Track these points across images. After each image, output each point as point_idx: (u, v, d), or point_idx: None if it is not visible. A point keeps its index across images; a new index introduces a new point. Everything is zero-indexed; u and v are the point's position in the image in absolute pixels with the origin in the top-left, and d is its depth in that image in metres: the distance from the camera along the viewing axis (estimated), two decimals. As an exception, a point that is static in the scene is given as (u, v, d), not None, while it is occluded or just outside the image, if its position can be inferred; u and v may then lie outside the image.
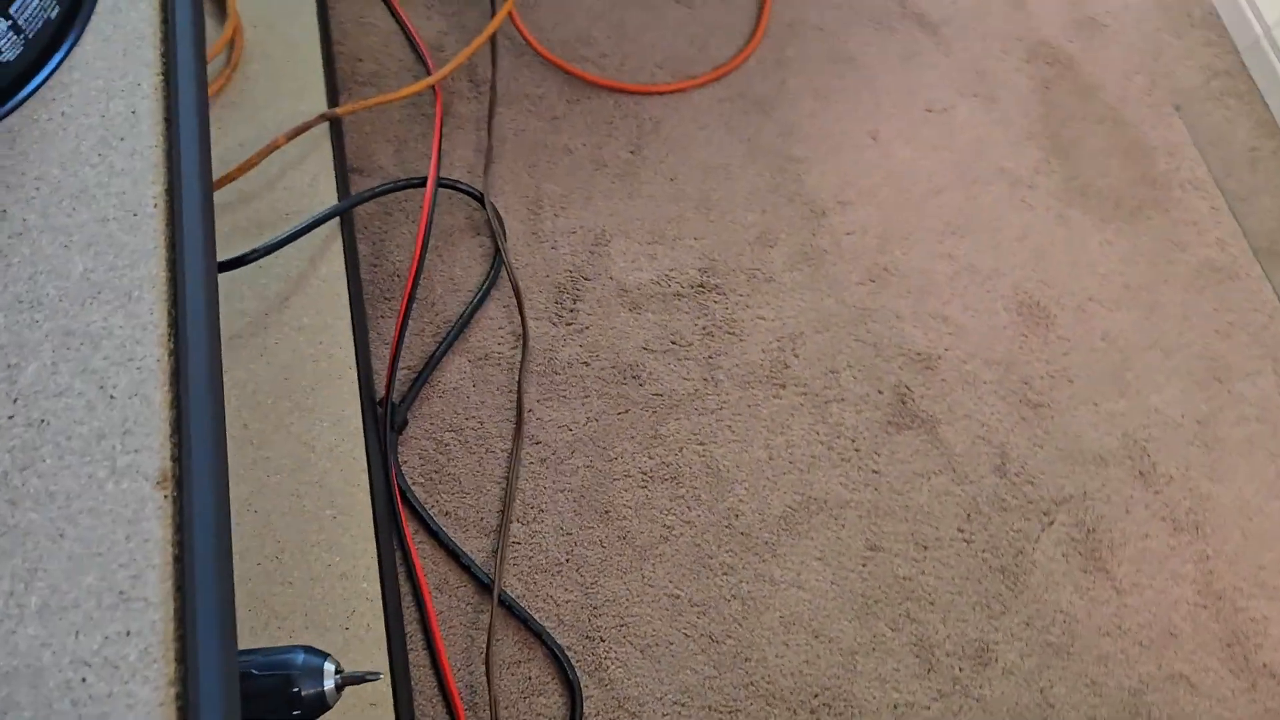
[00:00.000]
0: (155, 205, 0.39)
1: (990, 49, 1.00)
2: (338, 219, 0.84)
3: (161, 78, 0.42)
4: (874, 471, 0.81)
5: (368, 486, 0.74)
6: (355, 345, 0.79)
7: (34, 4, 0.40)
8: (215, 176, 0.82)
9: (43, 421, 0.35)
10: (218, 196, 0.83)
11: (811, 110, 0.96)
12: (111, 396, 0.36)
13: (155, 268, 0.38)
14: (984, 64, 0.99)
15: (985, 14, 1.01)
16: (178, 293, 0.38)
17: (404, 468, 0.80)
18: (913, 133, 0.95)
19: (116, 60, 0.42)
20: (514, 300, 0.87)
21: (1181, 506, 0.81)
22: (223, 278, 0.79)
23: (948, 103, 0.97)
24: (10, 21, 0.39)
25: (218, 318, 0.39)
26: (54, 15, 0.41)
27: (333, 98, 0.92)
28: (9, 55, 0.40)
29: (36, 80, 0.41)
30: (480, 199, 0.90)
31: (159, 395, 0.36)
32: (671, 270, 0.88)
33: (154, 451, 0.35)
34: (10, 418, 0.35)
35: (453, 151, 0.93)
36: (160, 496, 0.34)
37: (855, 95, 0.97)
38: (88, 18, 0.43)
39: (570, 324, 0.86)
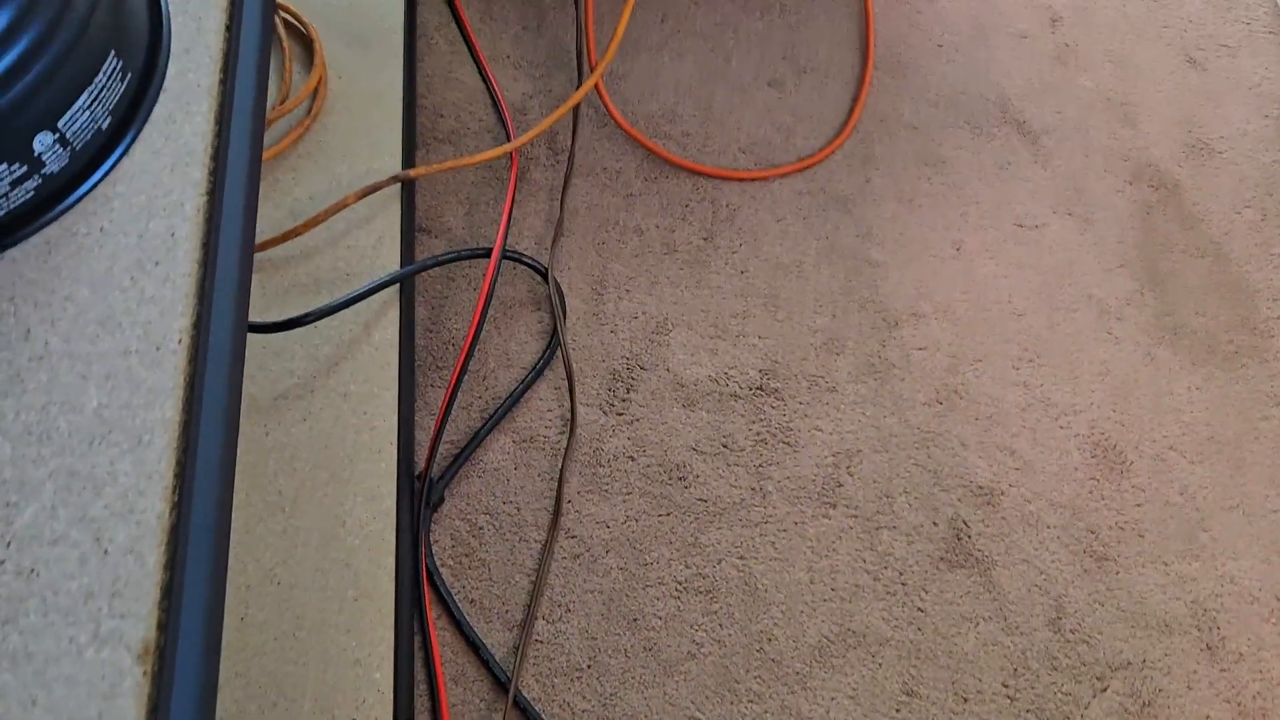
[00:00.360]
0: (180, 341, 0.37)
1: (1092, 165, 0.95)
2: (397, 284, 0.82)
3: (206, 198, 0.40)
4: (919, 609, 0.77)
5: (393, 571, 0.72)
6: (399, 418, 0.77)
7: (85, 116, 0.39)
8: (283, 229, 0.82)
9: (33, 571, 0.34)
10: (280, 250, 0.83)
11: (894, 213, 0.92)
12: (106, 551, 0.34)
13: (170, 410, 0.36)
14: (1083, 181, 0.95)
15: (1090, 127, 0.97)
16: (190, 441, 0.36)
17: (434, 547, 0.78)
18: (999, 247, 0.91)
19: (163, 176, 0.40)
20: (566, 383, 0.84)
21: (1249, 689, 0.75)
22: (275, 335, 0.78)
23: (1040, 219, 0.93)
24: (58, 135, 0.38)
25: (233, 468, 0.37)
26: (106, 125, 0.40)
27: (409, 156, 0.91)
28: (53, 168, 0.38)
29: (80, 192, 0.40)
30: (544, 274, 0.88)
31: (154, 555, 0.34)
32: (731, 368, 0.85)
33: (140, 619, 0.33)
34: (1, 563, 0.33)
35: (523, 220, 0.91)
36: (140, 672, 0.32)
37: (942, 201, 0.93)
38: (141, 127, 0.41)
39: (621, 414, 0.83)
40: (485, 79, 0.98)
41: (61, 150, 0.38)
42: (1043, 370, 0.86)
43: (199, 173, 0.41)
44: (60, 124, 0.38)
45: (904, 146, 0.96)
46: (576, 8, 0.93)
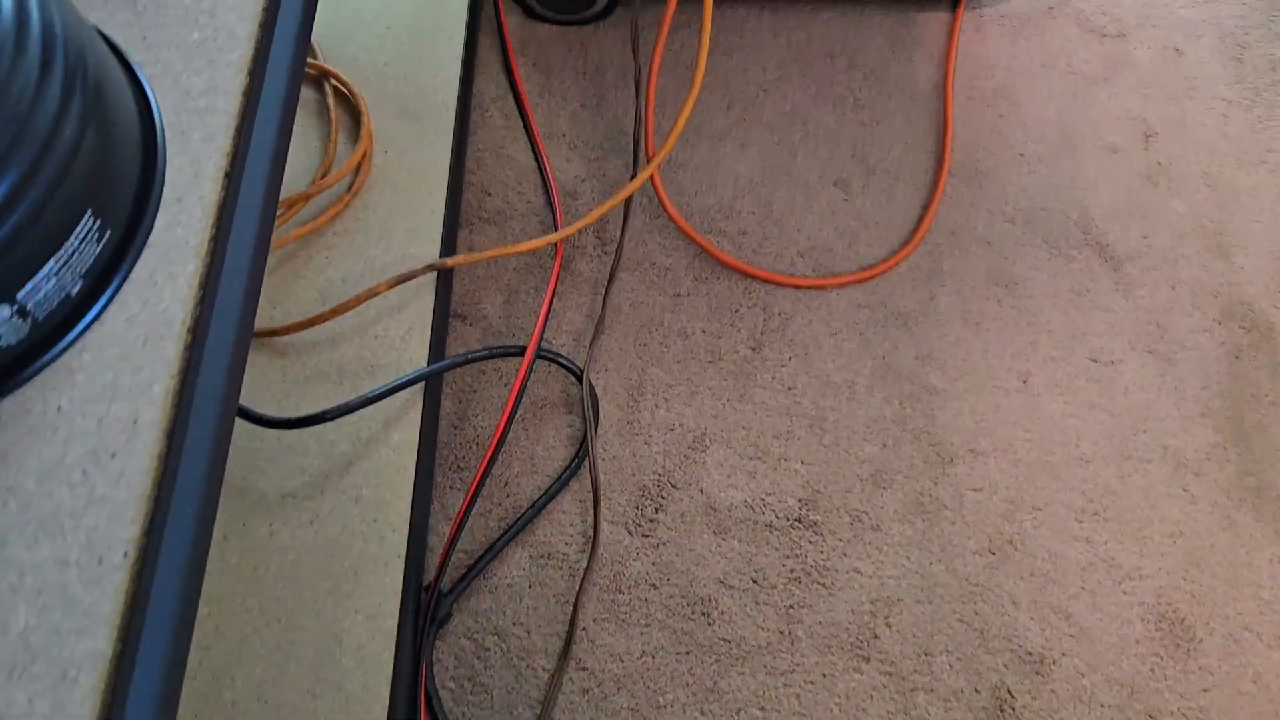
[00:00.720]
0: (126, 555, 0.33)
1: (1178, 299, 0.88)
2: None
3: (178, 380, 0.36)
4: (952, 787, 0.71)
5: (387, 700, 0.68)
6: (410, 528, 0.73)
7: (51, 284, 0.35)
8: (310, 313, 0.78)
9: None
10: (305, 335, 0.79)
11: (959, 336, 0.86)
12: (9, 812, 0.30)
13: (104, 642, 0.32)
14: (1167, 316, 0.88)
15: (1179, 256, 0.90)
16: (121, 682, 0.32)
17: (436, 666, 0.74)
18: (1069, 383, 0.85)
19: (134, 349, 0.36)
20: (592, 497, 0.79)
21: None
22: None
23: (1116, 355, 0.86)
24: (16, 307, 0.34)
25: (174, 712, 0.33)
26: (76, 291, 0.36)
27: (450, 238, 0.87)
28: (9, 340, 0.35)
29: (40, 363, 0.36)
30: (579, 376, 0.83)
31: (63, 822, 0.30)
32: (769, 495, 0.80)
33: None
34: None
35: (563, 313, 0.87)
36: None
37: (1011, 327, 0.87)
38: (117, 290, 0.37)
39: (647, 536, 0.78)
40: (538, 158, 0.94)
41: (20, 322, 0.35)
42: (1108, 526, 0.79)
43: (173, 349, 0.36)
44: (20, 295, 0.34)
45: (974, 263, 0.90)
46: (637, 94, 0.89)
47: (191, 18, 0.44)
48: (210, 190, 0.40)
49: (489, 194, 0.93)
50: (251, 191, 0.41)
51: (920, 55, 1.00)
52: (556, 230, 0.90)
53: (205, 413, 0.36)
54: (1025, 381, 0.85)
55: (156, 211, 0.39)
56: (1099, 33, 1.01)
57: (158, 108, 0.41)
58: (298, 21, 0.46)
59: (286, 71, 0.45)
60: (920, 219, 0.92)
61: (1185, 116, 0.96)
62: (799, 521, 0.79)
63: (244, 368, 0.39)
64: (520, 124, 0.96)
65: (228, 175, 0.40)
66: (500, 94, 0.98)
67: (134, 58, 0.42)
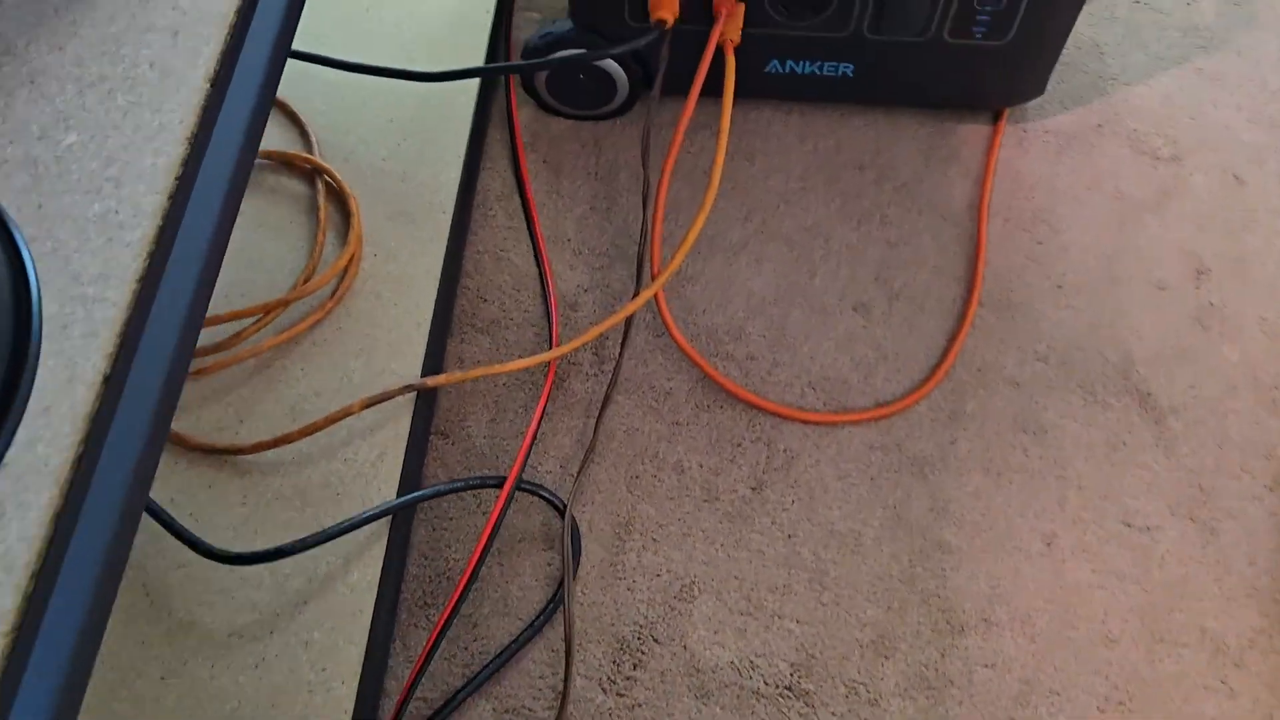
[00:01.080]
0: None
1: (1225, 460, 0.81)
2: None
3: (7, 641, 0.32)
4: None
5: None
6: (362, 680, 0.68)
7: None
8: (277, 431, 0.74)
9: None
10: (270, 455, 0.75)
11: (979, 488, 0.80)
12: None
13: None
14: (1213, 479, 0.81)
15: (1229, 411, 0.83)
16: None
17: (381, 831, 0.68)
18: (1099, 549, 0.78)
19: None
20: (564, 647, 0.74)
21: None
22: (242, 562, 0.70)
23: (1153, 520, 0.79)
24: None
25: None
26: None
27: (437, 349, 0.83)
28: None
29: None
30: (562, 510, 0.78)
31: None
32: (758, 657, 0.74)
33: None
34: None
35: (551, 438, 0.82)
36: None
37: (1038, 481, 0.80)
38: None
39: (622, 695, 0.73)
40: (539, 264, 0.90)
41: None
42: (1134, 718, 0.72)
43: (8, 601, 0.32)
44: None
45: (1001, 405, 0.84)
46: (644, 206, 0.84)
47: (95, 185, 0.40)
48: (84, 400, 0.35)
49: (485, 300, 0.89)
50: (137, 401, 0.36)
51: (956, 170, 0.94)
52: (551, 346, 0.86)
53: (39, 687, 0.31)
54: (1049, 544, 0.78)
55: (18, 424, 0.35)
56: (1152, 155, 0.95)
57: (38, 296, 0.37)
58: (222, 192, 0.42)
59: (201, 254, 0.40)
60: (944, 353, 0.86)
61: (1243, 253, 0.90)
62: (790, 690, 0.73)
63: (106, 618, 0.34)
64: (524, 225, 0.92)
65: (106, 380, 0.36)
66: (506, 191, 0.94)
67: (24, 231, 0.39)
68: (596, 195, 0.94)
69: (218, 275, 0.42)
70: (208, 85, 0.42)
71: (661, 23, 0.82)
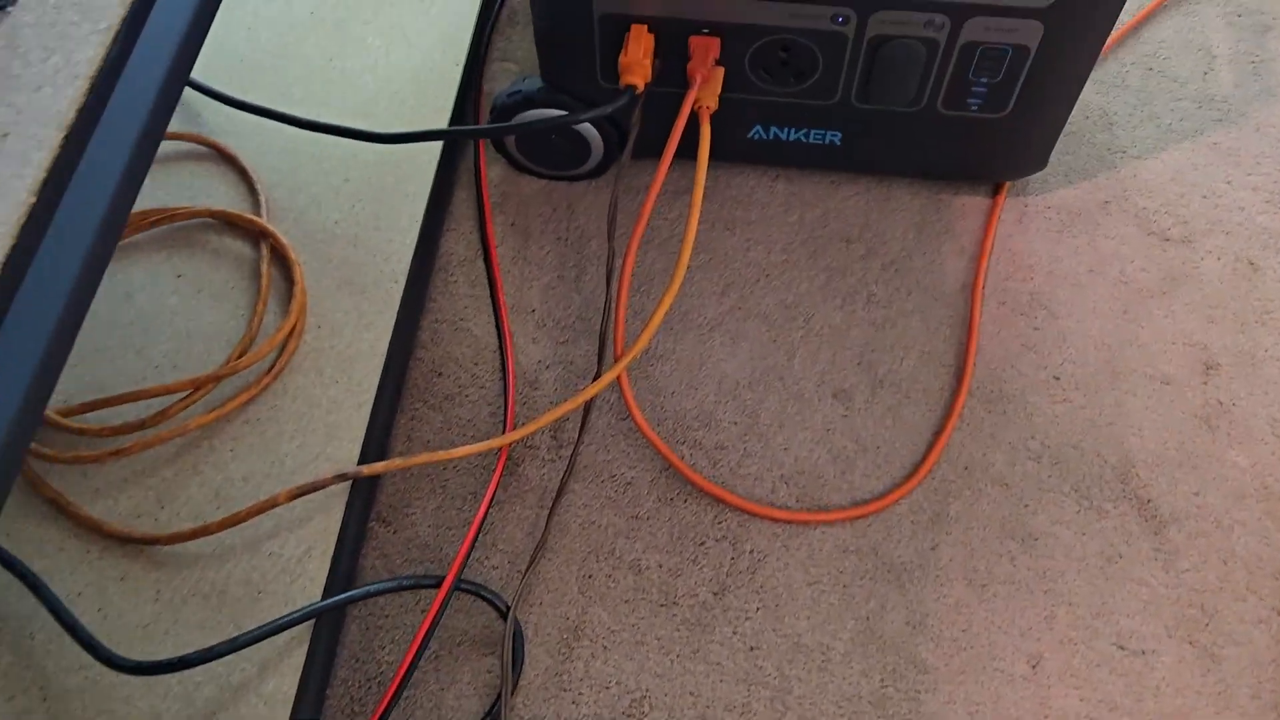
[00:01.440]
0: None
1: (1231, 578, 0.75)
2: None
3: None
4: None
5: None
6: (270, 804, 0.63)
7: None
8: (200, 519, 0.69)
9: None
10: (189, 546, 0.70)
11: (960, 599, 0.74)
12: None
13: None
14: (1216, 599, 0.75)
15: (1236, 523, 0.77)
16: None
17: None
18: (1089, 674, 0.72)
19: None
20: (500, 767, 0.69)
21: None
22: (147, 668, 0.65)
23: (1149, 642, 0.73)
24: None
25: None
26: None
27: (381, 433, 0.78)
28: None
29: None
30: (505, 613, 0.73)
31: None
32: (710, 785, 0.68)
33: None
34: None
35: (500, 528, 0.77)
36: None
37: (1025, 594, 0.75)
38: None
39: (559, 823, 0.67)
40: (500, 336, 0.85)
41: None
42: None
43: None
44: None
45: (988, 509, 0.78)
46: (608, 282, 0.79)
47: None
48: None
49: (440, 374, 0.84)
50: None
51: (950, 247, 0.89)
52: (505, 428, 0.81)
53: None
54: (1035, 666, 0.73)
55: None
56: (1161, 235, 0.89)
57: None
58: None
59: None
60: (929, 447, 0.80)
61: (1256, 348, 0.84)
62: (742, 824, 0.68)
63: None
64: (487, 293, 0.88)
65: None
66: (470, 256, 0.90)
67: None
68: (565, 262, 0.89)
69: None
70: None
71: (632, 87, 0.77)
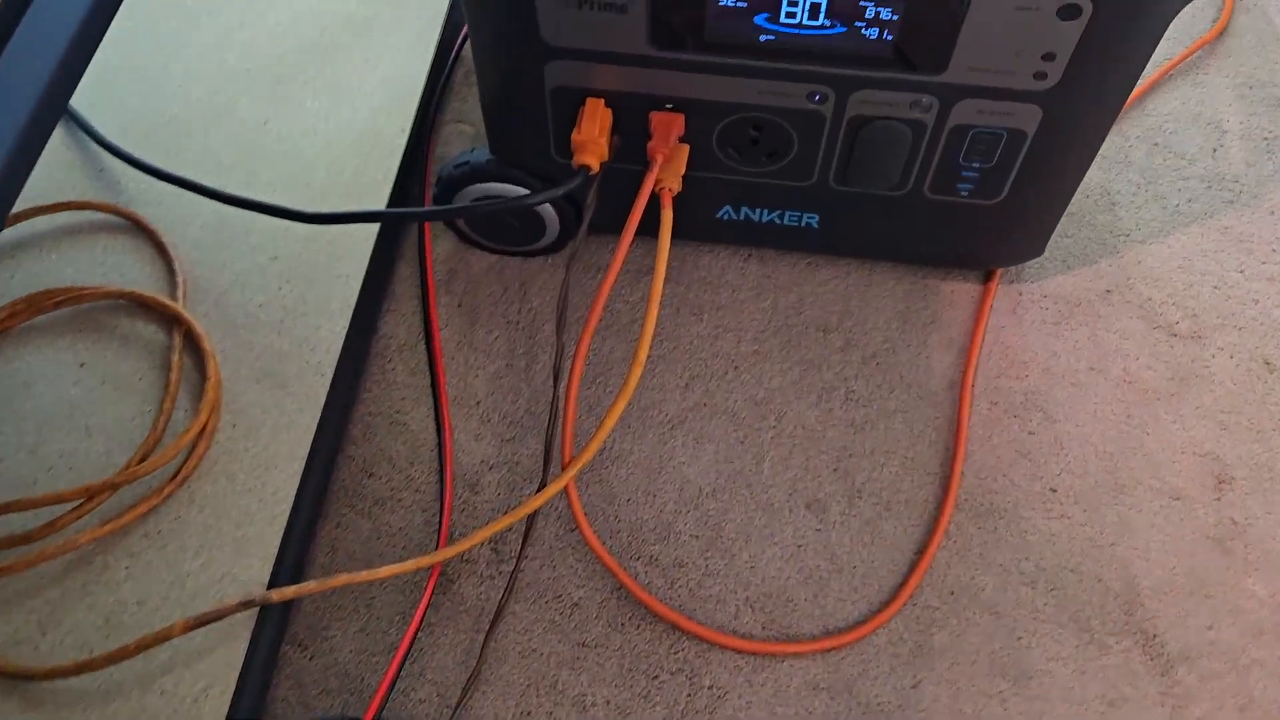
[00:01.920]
0: None
1: (1245, 725, 0.68)
2: (204, 772, 0.61)
3: None
4: None
5: None
6: None
7: None
8: (87, 650, 0.62)
9: None
10: (72, 682, 0.62)
11: (944, 749, 0.67)
12: None
13: None
14: (1230, 750, 0.67)
15: (1254, 663, 0.70)
16: None
17: None
18: (1088, 840, 0.64)
19: None
20: None
21: None
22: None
23: (1156, 802, 0.66)
24: None
25: None
26: None
27: (298, 547, 0.70)
28: None
29: None
30: (429, 759, 0.65)
31: None
32: None
33: None
34: None
35: (429, 655, 0.70)
36: None
37: (1017, 742, 0.67)
38: None
39: None
40: (440, 432, 0.78)
41: None
42: None
43: None
44: None
45: (977, 641, 0.70)
46: (555, 382, 0.72)
47: None
48: None
49: (371, 475, 0.76)
50: None
51: (937, 339, 0.82)
52: (438, 542, 0.73)
53: None
54: (1027, 829, 0.65)
55: None
56: (1168, 330, 0.83)
57: None
58: None
59: None
60: (911, 568, 0.73)
61: (1273, 459, 0.77)
62: None
63: None
64: (428, 382, 0.80)
65: None
66: (411, 340, 0.82)
67: None
68: (515, 348, 0.82)
69: None
70: None
71: (585, 168, 0.70)
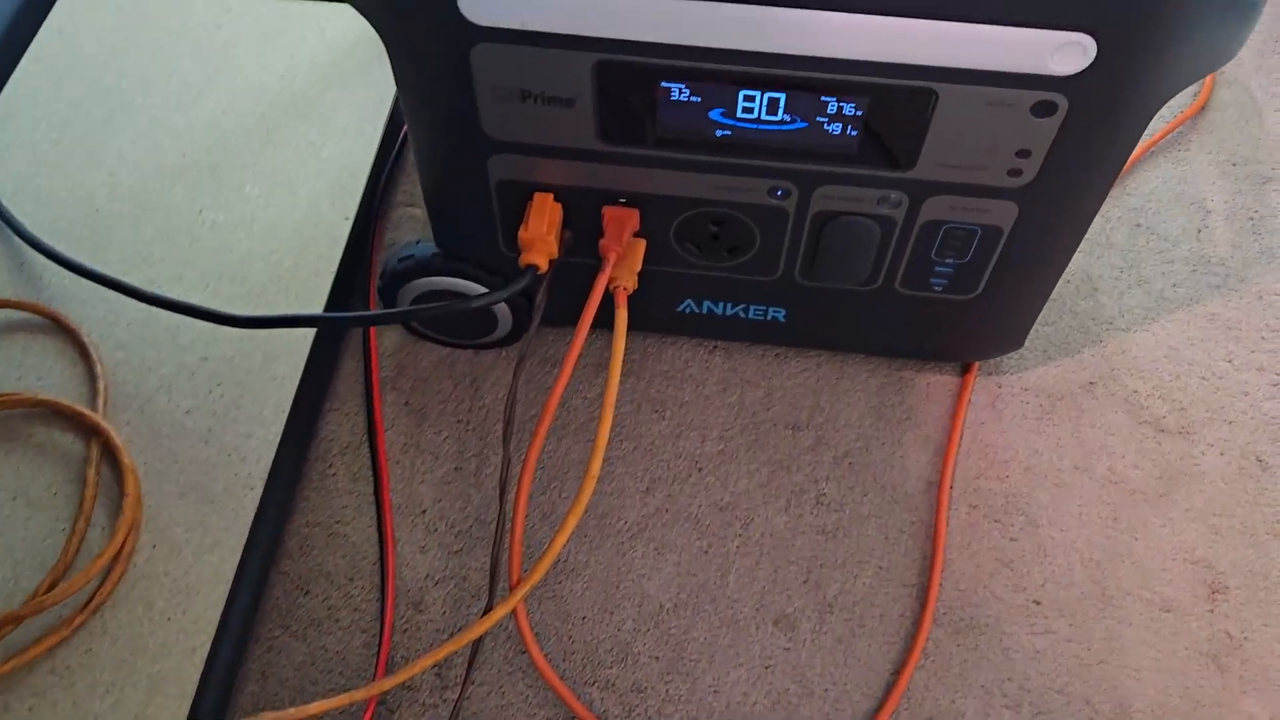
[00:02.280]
0: None
1: None
2: None
3: None
4: None
5: None
6: None
7: None
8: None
9: None
10: None
11: None
12: None
13: None
14: None
15: (1253, 791, 0.65)
16: None
17: None
18: None
19: None
20: None
21: None
22: None
23: None
24: None
25: None
26: None
27: (225, 677, 0.65)
28: None
29: None
30: None
31: None
32: None
33: None
34: None
35: (366, 798, 0.64)
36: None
37: None
38: None
39: None
40: (382, 545, 0.73)
41: None
42: None
43: None
44: None
45: (957, 773, 0.66)
46: (501, 496, 0.67)
47: None
48: None
49: (307, 592, 0.71)
50: None
51: (912, 436, 0.78)
52: (376, 670, 0.68)
53: None
54: None
55: None
56: (1155, 425, 0.79)
57: None
58: None
59: None
60: (888, 690, 0.69)
61: (1269, 566, 0.73)
62: None
63: None
64: (371, 490, 0.76)
65: None
66: (355, 442, 0.78)
67: None
68: (465, 450, 0.78)
69: None
70: None
71: (533, 267, 0.66)
